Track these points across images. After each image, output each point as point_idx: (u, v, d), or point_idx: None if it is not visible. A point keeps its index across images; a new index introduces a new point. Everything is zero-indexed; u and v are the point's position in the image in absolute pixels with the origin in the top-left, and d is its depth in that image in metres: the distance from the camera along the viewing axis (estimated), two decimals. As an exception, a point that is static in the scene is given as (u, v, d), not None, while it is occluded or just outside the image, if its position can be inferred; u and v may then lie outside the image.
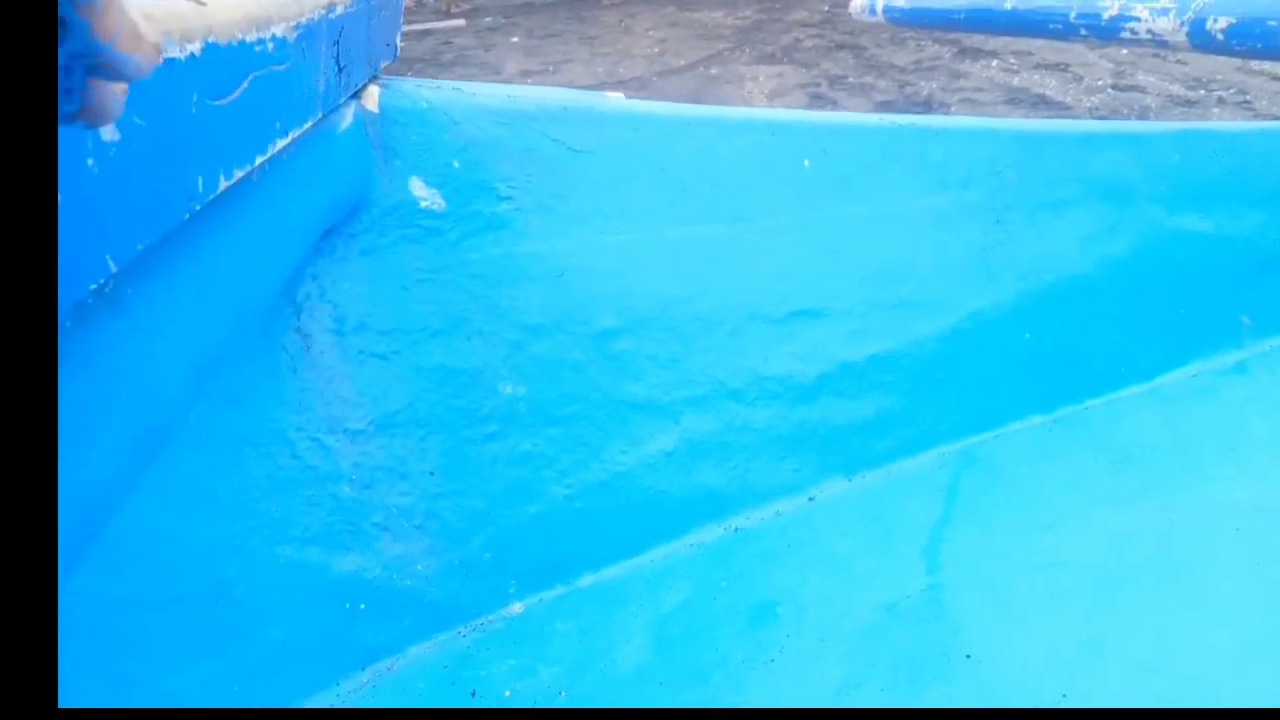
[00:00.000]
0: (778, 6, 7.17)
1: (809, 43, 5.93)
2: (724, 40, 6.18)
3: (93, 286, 0.42)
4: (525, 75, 5.57)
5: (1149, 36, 2.17)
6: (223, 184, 0.55)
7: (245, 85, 0.55)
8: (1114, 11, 2.26)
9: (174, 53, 0.44)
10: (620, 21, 7.16)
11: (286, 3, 0.64)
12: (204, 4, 0.50)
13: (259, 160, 0.62)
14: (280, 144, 0.66)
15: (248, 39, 0.55)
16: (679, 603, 0.95)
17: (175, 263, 0.55)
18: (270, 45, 0.59)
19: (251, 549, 0.83)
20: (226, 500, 0.82)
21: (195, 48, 0.47)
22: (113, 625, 0.74)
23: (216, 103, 0.51)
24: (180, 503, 0.78)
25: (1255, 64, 4.28)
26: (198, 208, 0.52)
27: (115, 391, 0.51)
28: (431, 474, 0.95)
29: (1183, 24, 1.99)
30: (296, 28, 0.65)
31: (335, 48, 0.80)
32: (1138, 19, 2.16)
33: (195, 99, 0.48)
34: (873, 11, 3.85)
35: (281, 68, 0.62)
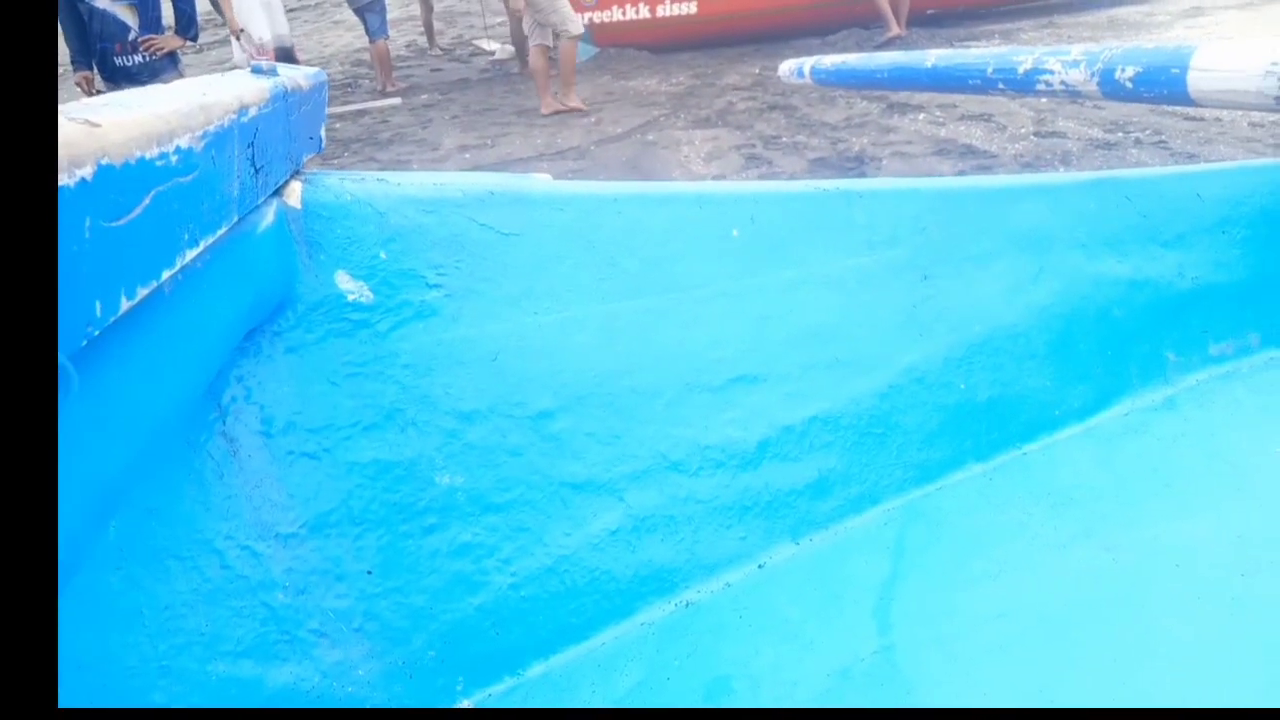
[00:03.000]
0: (709, 72, 7.35)
1: (742, 105, 6.07)
2: (659, 107, 6.30)
3: None
4: (464, 150, 5.61)
5: (1063, 88, 2.27)
6: (124, 305, 0.54)
7: (147, 202, 0.54)
8: (1028, 66, 2.36)
9: (63, 180, 0.44)
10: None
11: (191, 112, 0.64)
12: (97, 125, 0.50)
13: (166, 275, 0.61)
14: (191, 254, 0.66)
15: (147, 155, 0.54)
16: (632, 685, 0.93)
17: (81, 385, 0.54)
18: (174, 158, 0.59)
19: (180, 668, 0.80)
20: (151, 618, 0.79)
21: (86, 172, 0.46)
22: None
23: (113, 224, 0.50)
24: (99, 625, 0.75)
25: (1168, 106, 4.48)
26: (96, 333, 0.51)
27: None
28: (369, 573, 0.93)
29: (1093, 75, 2.09)
30: (204, 136, 0.65)
31: (250, 150, 0.80)
32: (1051, 72, 2.26)
33: (89, 224, 0.47)
34: (800, 74, 3.97)
35: (188, 179, 0.62)
